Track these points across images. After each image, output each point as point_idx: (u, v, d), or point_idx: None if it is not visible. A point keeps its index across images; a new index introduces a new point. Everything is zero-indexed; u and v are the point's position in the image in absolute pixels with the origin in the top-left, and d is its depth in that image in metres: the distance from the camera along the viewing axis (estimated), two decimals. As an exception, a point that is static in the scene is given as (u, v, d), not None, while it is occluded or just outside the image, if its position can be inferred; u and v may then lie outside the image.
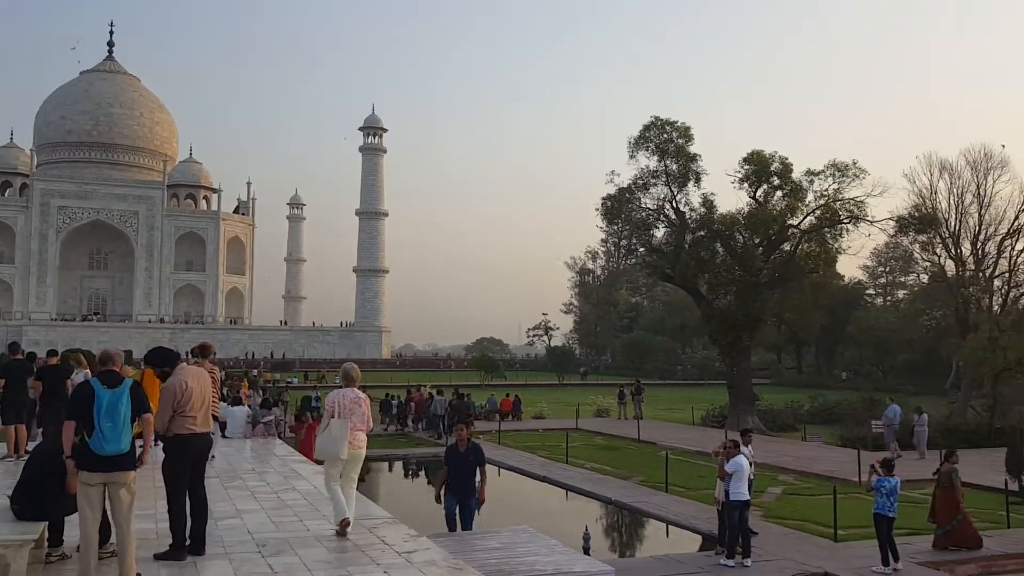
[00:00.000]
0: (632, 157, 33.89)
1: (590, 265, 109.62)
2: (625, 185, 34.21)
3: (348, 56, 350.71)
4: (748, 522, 12.57)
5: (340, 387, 8.60)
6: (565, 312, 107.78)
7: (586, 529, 12.79)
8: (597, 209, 35.30)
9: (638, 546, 15.96)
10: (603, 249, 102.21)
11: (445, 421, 27.69)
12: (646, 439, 27.98)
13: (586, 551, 12.14)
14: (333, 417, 8.27)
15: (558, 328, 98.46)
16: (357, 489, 8.82)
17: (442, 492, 11.97)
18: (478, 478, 11.88)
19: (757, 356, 72.91)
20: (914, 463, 22.01)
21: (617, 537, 16.68)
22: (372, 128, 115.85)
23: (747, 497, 12.37)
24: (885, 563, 11.71)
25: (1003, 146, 55.95)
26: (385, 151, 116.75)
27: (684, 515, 15.77)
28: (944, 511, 13.25)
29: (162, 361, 7.79)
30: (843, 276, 78.32)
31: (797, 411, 36.17)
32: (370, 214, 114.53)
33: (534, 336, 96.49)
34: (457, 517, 11.71)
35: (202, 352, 9.35)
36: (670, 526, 15.61)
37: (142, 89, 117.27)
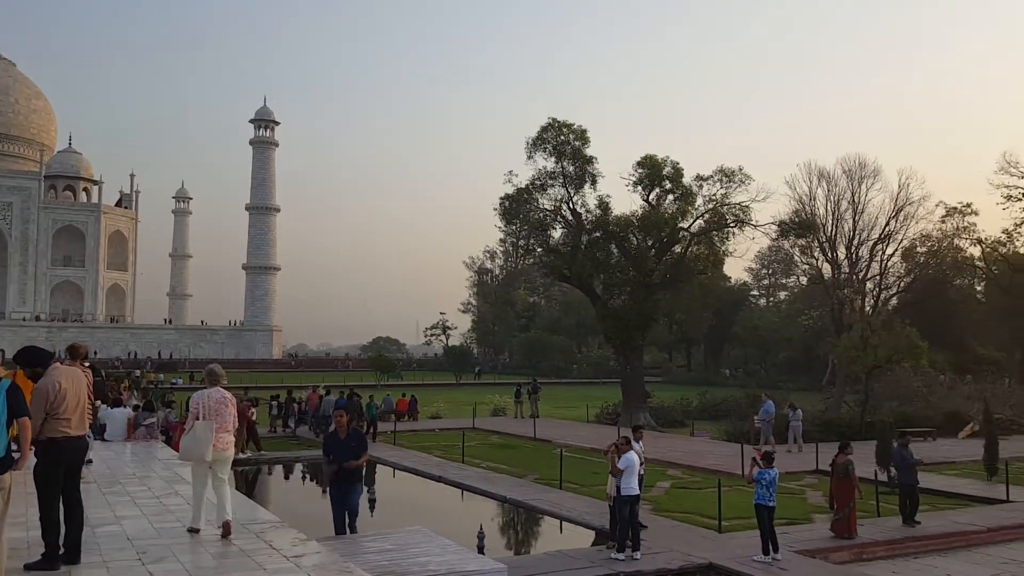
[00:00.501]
0: (530, 158, 34.30)
1: (488, 265, 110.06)
2: (523, 185, 34.56)
3: (240, 46, 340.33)
4: (638, 516, 12.88)
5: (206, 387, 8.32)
6: (463, 311, 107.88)
7: (480, 528, 12.82)
8: (495, 209, 35.54)
9: (532, 543, 16.11)
10: (501, 249, 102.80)
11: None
12: (542, 437, 28.29)
13: (480, 550, 12.17)
14: (197, 419, 8.00)
15: (456, 327, 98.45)
16: (249, 496, 8.58)
17: (329, 484, 11.71)
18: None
19: (650, 355, 75.14)
20: (790, 456, 23.14)
21: (512, 535, 16.78)
22: (263, 121, 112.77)
23: (637, 492, 12.68)
24: (765, 552, 12.23)
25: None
26: (277, 145, 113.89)
27: (577, 511, 16.02)
28: (840, 499, 14.02)
29: (33, 361, 7.36)
30: (730, 278, 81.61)
31: (686, 408, 37.40)
32: (261, 209, 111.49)
33: (431, 335, 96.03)
34: (346, 510, 11.47)
35: (71, 353, 8.89)
36: (564, 522, 15.82)
37: (17, 74, 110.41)
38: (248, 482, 21.47)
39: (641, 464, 14.19)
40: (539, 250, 36.41)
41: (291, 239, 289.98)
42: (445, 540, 10.06)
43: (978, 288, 63.16)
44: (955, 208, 55.17)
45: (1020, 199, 53.62)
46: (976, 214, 55.37)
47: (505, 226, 36.70)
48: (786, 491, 17.62)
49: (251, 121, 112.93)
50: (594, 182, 34.26)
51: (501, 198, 35.06)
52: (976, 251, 56.85)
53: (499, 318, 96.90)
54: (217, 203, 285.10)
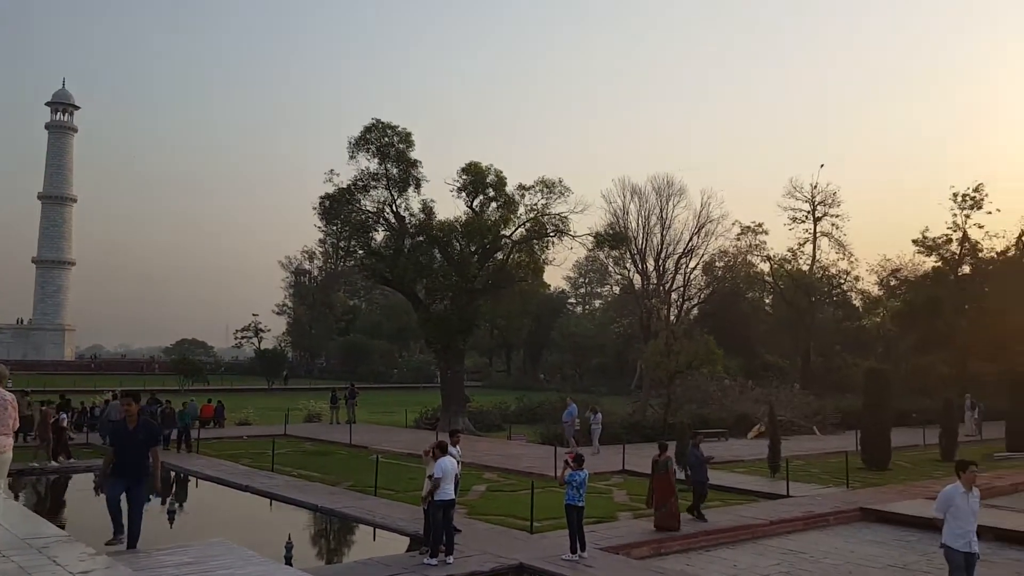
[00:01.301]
0: (352, 158, 33.71)
1: (306, 265, 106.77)
2: (345, 185, 33.87)
3: (36, 19, 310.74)
4: (453, 520, 12.94)
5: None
6: (278, 313, 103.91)
7: (289, 538, 12.38)
8: (315, 208, 34.59)
9: (345, 552, 15.76)
10: (321, 250, 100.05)
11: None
12: (358, 443, 27.81)
13: (288, 561, 11.76)
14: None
15: (269, 330, 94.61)
16: (36, 510, 7.78)
17: (107, 476, 10.47)
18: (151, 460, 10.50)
19: (470, 359, 75.90)
20: (597, 457, 24.13)
21: (323, 544, 16.35)
22: (61, 104, 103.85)
23: (452, 497, 12.73)
24: (573, 550, 12.66)
25: (821, 165, 62.05)
26: (76, 130, 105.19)
27: (392, 518, 15.86)
28: (661, 494, 14.94)
29: None
30: (549, 285, 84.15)
31: (504, 412, 38.11)
32: (55, 199, 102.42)
33: (242, 338, 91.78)
34: (124, 506, 10.20)
35: None
36: (378, 529, 15.61)
37: None
38: (37, 494, 19.66)
39: (458, 467, 14.31)
40: (360, 252, 35.82)
41: (90, 233, 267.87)
42: (249, 552, 9.61)
43: (767, 301, 68.95)
44: (748, 227, 59.93)
45: (803, 221, 59.30)
46: (766, 233, 60.33)
47: (325, 226, 35.83)
48: (594, 491, 18.34)
49: (48, 104, 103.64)
50: (418, 186, 34.23)
51: (321, 197, 34.20)
52: (766, 267, 62.05)
53: (317, 321, 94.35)
54: (5, 190, 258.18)
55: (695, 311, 62.41)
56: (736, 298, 62.82)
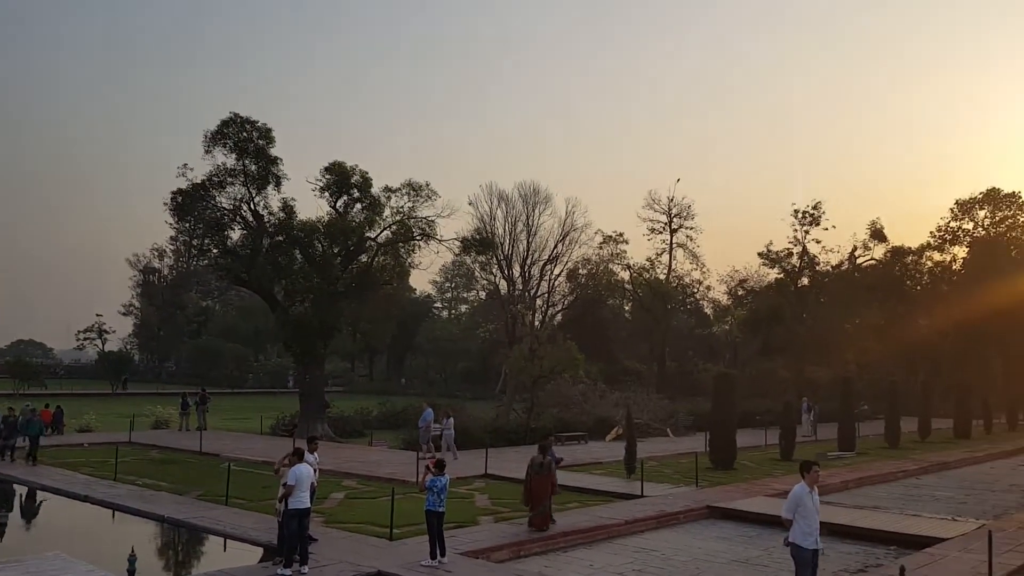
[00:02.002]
0: (208, 152, 32.28)
1: (156, 264, 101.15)
2: (199, 181, 32.38)
3: None
4: (308, 529, 12.58)
5: None
6: (124, 314, 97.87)
7: (132, 551, 11.65)
8: (167, 204, 32.82)
9: (194, 564, 15.04)
10: (172, 248, 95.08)
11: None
12: (209, 451, 26.63)
13: (131, 574, 11.15)
14: None
15: (115, 331, 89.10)
16: None
17: None
18: None
19: (331, 364, 74.26)
20: (458, 462, 24.13)
21: (171, 557, 15.54)
22: None
23: (307, 505, 12.40)
24: (432, 556, 12.58)
25: (677, 180, 63.93)
26: None
27: (244, 528, 15.25)
28: (538, 495, 15.24)
29: None
30: (415, 289, 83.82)
31: (366, 417, 37.47)
32: None
33: (85, 339, 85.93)
34: None
35: None
36: (229, 540, 14.97)
37: None
38: None
39: (315, 475, 13.95)
40: (215, 251, 34.23)
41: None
42: (87, 566, 8.99)
43: (626, 308, 71.40)
44: (610, 236, 61.93)
45: (661, 232, 61.87)
46: (627, 243, 62.62)
47: (177, 223, 34.02)
48: (456, 496, 18.32)
49: None
50: (278, 183, 33.13)
51: (173, 193, 32.46)
52: (626, 275, 64.30)
53: (166, 322, 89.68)
54: None
55: (559, 317, 63.84)
56: (598, 305, 64.71)
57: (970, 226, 64.52)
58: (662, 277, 62.01)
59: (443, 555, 12.64)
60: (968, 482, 25.93)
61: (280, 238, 33.43)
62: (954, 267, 64.07)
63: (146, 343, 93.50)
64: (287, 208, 33.63)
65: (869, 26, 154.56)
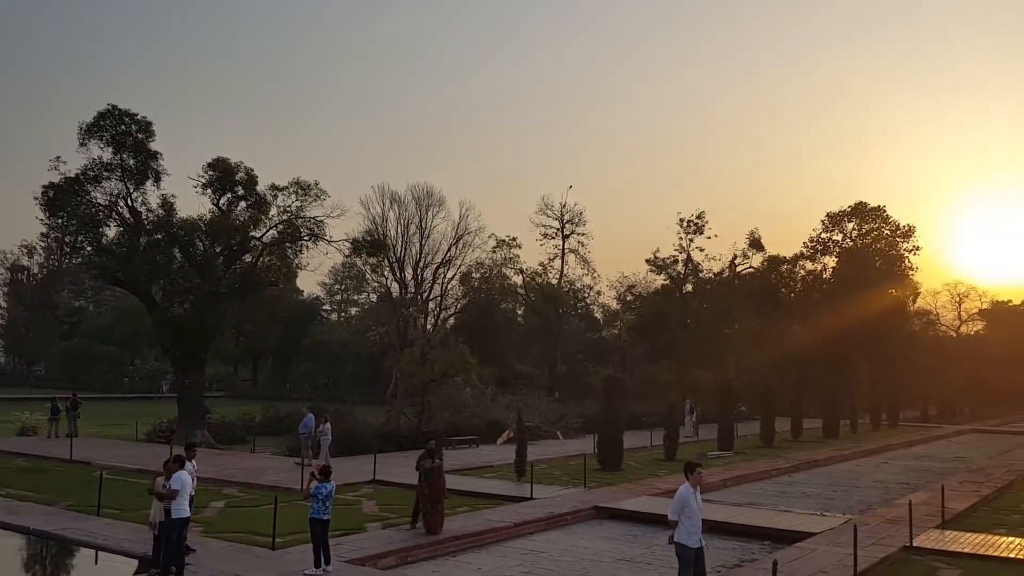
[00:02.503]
0: (83, 145, 30.55)
1: (25, 262, 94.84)
2: (73, 175, 30.61)
3: None
4: (185, 539, 12.09)
5: None
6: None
7: (-10, 568, 10.88)
8: (37, 199, 30.84)
9: (60, 579, 14.17)
10: (43, 245, 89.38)
11: None
12: (80, 459, 25.18)
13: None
14: None
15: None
16: None
17: None
18: None
19: (213, 368, 71.58)
20: (346, 467, 23.71)
21: (38, 571, 14.65)
22: None
23: (188, 514, 11.91)
24: (317, 565, 12.29)
25: (570, 186, 64.37)
26: None
27: (116, 539, 14.49)
28: (434, 498, 15.33)
29: None
30: (302, 291, 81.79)
31: (249, 423, 36.26)
32: None
33: (-60, 341, 79.84)
34: None
35: None
36: (101, 552, 14.20)
37: None
38: None
39: (193, 483, 13.44)
40: (89, 249, 32.40)
41: None
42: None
43: (519, 312, 72.03)
44: (504, 241, 62.37)
45: (553, 237, 62.77)
46: (520, 247, 63.22)
47: (48, 219, 31.95)
48: (343, 503, 17.99)
49: None
50: (158, 179, 31.68)
51: (44, 187, 30.55)
52: (519, 280, 64.89)
53: (35, 323, 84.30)
54: None
55: (451, 320, 63.71)
56: (491, 309, 64.99)
57: (839, 237, 68.38)
58: (554, 282, 62.90)
59: (328, 563, 12.37)
60: (836, 479, 27.46)
61: (159, 236, 31.97)
62: (825, 276, 67.73)
63: (13, 345, 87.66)
64: (167, 205, 32.23)
65: (750, 38, 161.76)
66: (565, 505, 18.91)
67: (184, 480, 11.99)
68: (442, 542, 14.97)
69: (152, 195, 31.95)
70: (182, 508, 11.85)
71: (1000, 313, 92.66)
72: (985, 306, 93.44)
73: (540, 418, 37.93)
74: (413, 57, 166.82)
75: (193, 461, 14.25)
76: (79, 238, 32.64)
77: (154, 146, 31.43)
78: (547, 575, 13.44)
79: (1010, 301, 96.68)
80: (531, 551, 15.11)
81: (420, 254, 58.34)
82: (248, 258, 33.68)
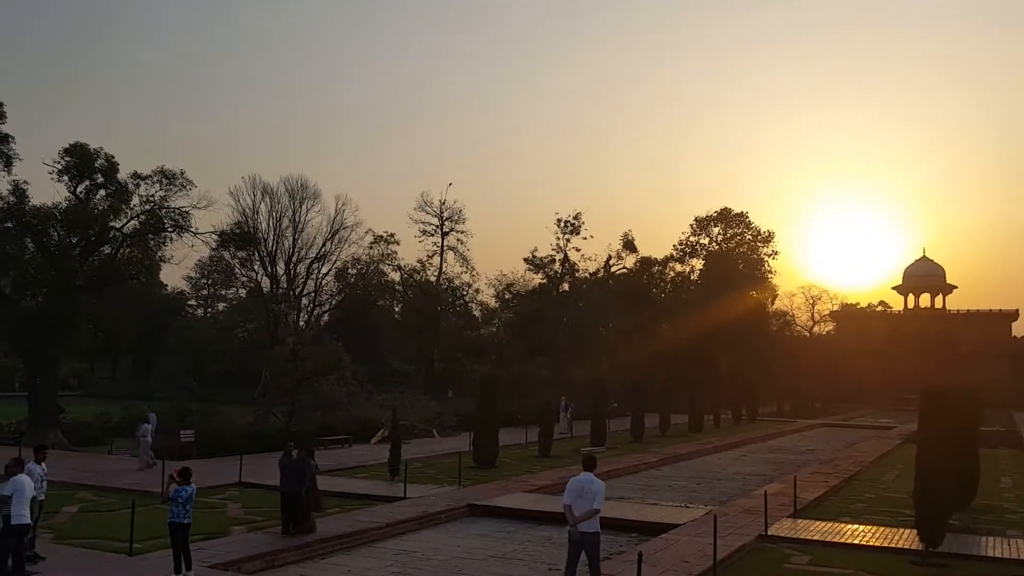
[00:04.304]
0: (-79, 125, 28.10)
1: None
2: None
3: None
4: (29, 549, 11.34)
5: None
6: None
7: None
8: None
9: None
10: None
11: None
12: (-91, 465, 23.07)
13: None
14: None
15: None
16: None
17: None
18: None
19: (68, 365, 67.21)
20: (214, 472, 22.82)
21: None
22: None
23: (28, 521, 11.16)
24: (178, 571, 11.77)
25: (449, 184, 63.36)
26: None
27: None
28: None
29: None
30: (166, 285, 78.03)
31: (106, 424, 34.28)
32: None
33: None
34: None
35: None
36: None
37: None
38: None
39: (42, 488, 12.67)
40: (-71, 238, 29.87)
41: None
42: None
43: (396, 309, 71.33)
44: (381, 236, 61.57)
45: (433, 234, 62.51)
46: (398, 244, 62.56)
47: None
48: (206, 506, 17.32)
49: None
50: (9, 164, 29.56)
51: None
52: (396, 276, 64.23)
53: None
54: None
55: (326, 317, 62.32)
56: (367, 305, 63.98)
57: (706, 241, 71.57)
58: (433, 279, 62.63)
59: (188, 568, 11.87)
60: (699, 472, 28.69)
61: (9, 224, 29.78)
62: (692, 277, 70.69)
63: None
64: (18, 192, 30.08)
65: (628, 41, 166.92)
66: (439, 504, 18.86)
67: (21, 483, 11.22)
68: (311, 544, 14.63)
69: (2, 181, 29.85)
70: (21, 514, 11.09)
71: (849, 314, 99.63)
72: (835, 308, 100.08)
73: (416, 416, 37.67)
74: (292, 47, 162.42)
75: (43, 464, 13.38)
76: (-84, 225, 30.01)
77: (5, 128, 29.32)
78: (419, 575, 13.38)
79: (857, 303, 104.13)
80: (403, 551, 15.00)
81: (293, 248, 56.69)
82: (107, 249, 31.87)
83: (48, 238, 30.39)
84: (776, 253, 72.27)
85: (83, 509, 17.45)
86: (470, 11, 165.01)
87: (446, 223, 62.18)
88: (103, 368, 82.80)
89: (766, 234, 71.79)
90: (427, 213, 61.96)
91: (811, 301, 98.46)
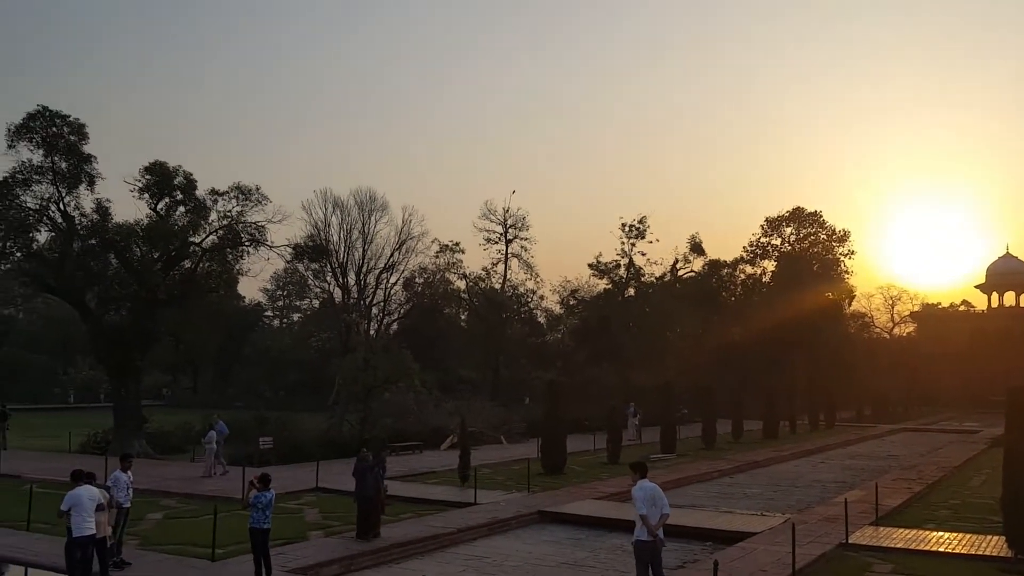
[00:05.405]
0: (11, 147, 29.58)
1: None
2: (1, 179, 29.61)
3: None
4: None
5: None
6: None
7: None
8: (-38, 203, 29.71)
9: (-14, 597, 13.67)
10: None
11: None
12: (8, 472, 24.33)
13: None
14: None
15: None
16: None
17: None
18: None
19: (152, 377, 69.76)
20: (288, 476, 23.36)
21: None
22: None
23: (90, 532, 11.57)
24: (257, 575, 12.08)
25: (513, 191, 64.32)
26: None
27: (48, 555, 14.03)
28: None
29: None
30: (243, 298, 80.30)
31: (188, 433, 35.43)
32: None
33: None
34: None
35: None
36: (31, 569, 13.76)
37: None
38: None
39: (128, 495, 13.19)
40: (18, 255, 31.34)
41: None
42: None
43: (463, 317, 71.89)
44: (447, 246, 62.20)
45: (496, 242, 62.82)
46: (463, 252, 63.09)
47: (-26, 224, 30.83)
48: (285, 511, 17.74)
49: None
50: (92, 183, 30.80)
51: (-30, 190, 29.52)
52: (462, 285, 64.74)
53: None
54: None
55: (395, 326, 63.24)
56: (434, 314, 64.67)
57: (778, 242, 70.00)
58: (497, 287, 62.92)
59: (268, 573, 12.19)
60: (775, 479, 28.06)
61: (93, 241, 31.10)
62: (764, 279, 69.21)
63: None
64: (101, 209, 31.36)
65: (693, 46, 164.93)
66: (509, 510, 18.93)
67: (77, 497, 11.63)
68: (386, 549, 14.86)
69: (86, 199, 31.13)
70: (80, 526, 11.47)
71: (930, 315, 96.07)
72: (916, 308, 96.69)
73: (484, 423, 37.90)
74: (361, 64, 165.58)
75: (128, 472, 13.94)
76: (8, 244, 31.52)
77: (88, 149, 30.64)
78: (492, 580, 13.45)
79: (939, 303, 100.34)
80: (475, 556, 15.10)
81: (363, 259, 57.88)
82: (187, 264, 32.99)
83: (131, 254, 31.61)
84: (852, 253, 70.21)
85: (167, 516, 18.06)
86: (532, 16, 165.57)
87: (510, 230, 62.42)
88: (185, 379, 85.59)
89: (841, 233, 69.86)
90: (491, 221, 62.35)
91: (890, 302, 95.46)
